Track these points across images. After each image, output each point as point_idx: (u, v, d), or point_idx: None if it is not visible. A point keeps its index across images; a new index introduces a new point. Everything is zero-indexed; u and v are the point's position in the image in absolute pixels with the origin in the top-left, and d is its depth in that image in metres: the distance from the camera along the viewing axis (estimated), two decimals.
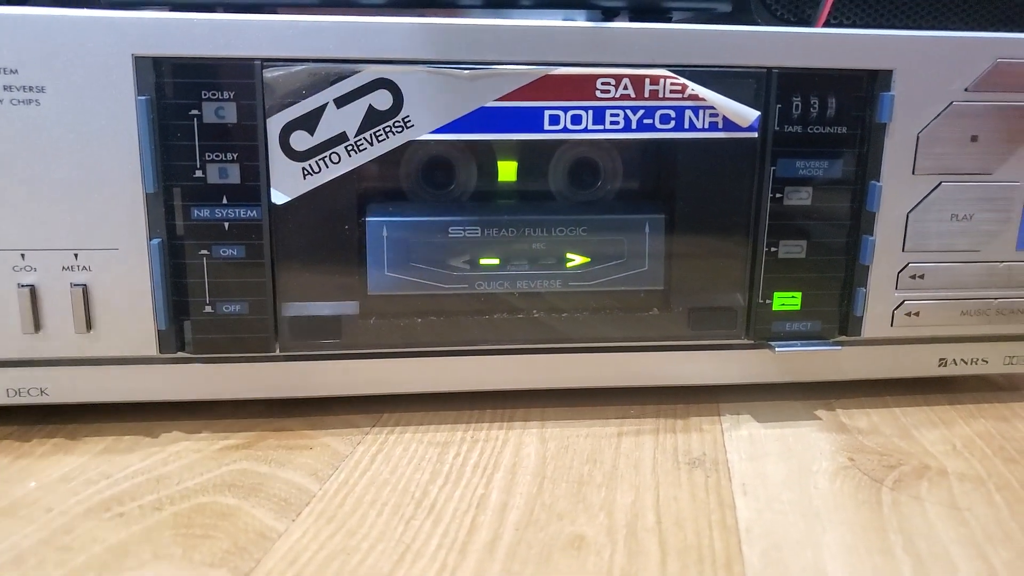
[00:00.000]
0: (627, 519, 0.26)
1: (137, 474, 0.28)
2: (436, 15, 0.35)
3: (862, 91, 0.31)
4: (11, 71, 0.28)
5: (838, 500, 0.27)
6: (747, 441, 0.31)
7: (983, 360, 0.35)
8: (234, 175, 0.29)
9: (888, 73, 0.31)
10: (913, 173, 0.32)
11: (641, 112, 0.30)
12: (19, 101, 0.28)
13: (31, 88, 0.28)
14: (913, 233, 0.32)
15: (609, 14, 0.37)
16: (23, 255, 0.29)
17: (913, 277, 0.33)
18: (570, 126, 0.30)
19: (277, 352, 0.31)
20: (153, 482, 0.28)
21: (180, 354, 0.31)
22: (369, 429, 0.32)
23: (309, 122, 0.29)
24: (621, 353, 0.33)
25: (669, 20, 0.37)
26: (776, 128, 0.31)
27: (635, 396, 0.35)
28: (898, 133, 0.32)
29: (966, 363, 0.35)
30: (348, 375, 0.32)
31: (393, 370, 0.32)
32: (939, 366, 0.35)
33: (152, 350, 0.30)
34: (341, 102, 0.29)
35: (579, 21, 0.36)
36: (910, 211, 0.32)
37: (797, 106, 0.31)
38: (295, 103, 0.29)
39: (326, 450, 0.30)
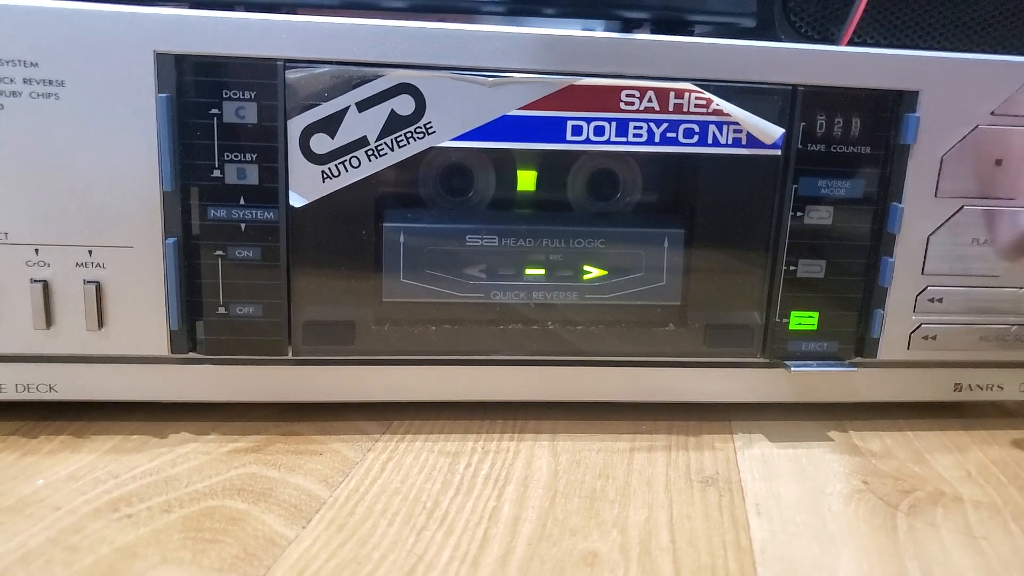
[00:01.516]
0: (640, 537, 0.25)
1: (145, 475, 0.28)
2: (456, 20, 0.35)
3: (887, 111, 0.31)
4: (31, 64, 0.28)
5: (853, 524, 0.27)
6: (760, 460, 0.31)
7: (999, 386, 0.35)
8: (252, 176, 0.29)
9: (914, 94, 0.31)
10: (935, 195, 0.32)
11: (665, 125, 0.30)
12: (39, 94, 0.28)
13: (51, 82, 0.28)
14: (933, 256, 0.32)
15: (630, 26, 0.37)
16: (37, 250, 0.29)
17: (932, 300, 0.33)
18: (593, 137, 0.30)
19: (289, 356, 0.31)
20: (162, 483, 0.27)
21: (191, 355, 0.31)
22: (379, 436, 0.32)
23: (330, 125, 0.29)
24: (635, 368, 0.33)
25: (691, 33, 0.37)
26: (799, 146, 0.31)
27: (647, 411, 0.34)
28: (922, 155, 0.31)
29: (981, 389, 0.35)
30: (360, 381, 0.32)
31: (405, 377, 0.32)
32: (954, 391, 0.35)
33: (163, 350, 0.30)
34: (363, 106, 0.29)
35: (599, 32, 0.36)
36: (931, 234, 0.32)
37: (821, 124, 0.31)
38: (317, 105, 0.29)
39: (336, 456, 0.30)
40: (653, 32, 0.36)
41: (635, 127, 0.30)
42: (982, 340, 0.33)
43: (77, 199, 0.29)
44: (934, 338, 0.33)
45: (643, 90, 0.30)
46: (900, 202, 0.32)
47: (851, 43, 0.37)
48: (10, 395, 0.30)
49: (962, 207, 0.32)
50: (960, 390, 0.35)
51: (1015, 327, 0.33)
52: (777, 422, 0.34)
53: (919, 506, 0.28)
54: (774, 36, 0.39)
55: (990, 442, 0.34)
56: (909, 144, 0.31)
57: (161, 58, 0.28)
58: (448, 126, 0.29)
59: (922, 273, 0.32)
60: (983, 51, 0.36)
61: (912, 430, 0.34)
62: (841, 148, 0.31)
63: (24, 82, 0.28)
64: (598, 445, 0.32)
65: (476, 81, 0.29)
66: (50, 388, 0.31)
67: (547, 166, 0.32)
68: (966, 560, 0.25)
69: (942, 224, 0.32)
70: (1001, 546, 0.26)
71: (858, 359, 0.33)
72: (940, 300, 0.33)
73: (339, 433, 0.32)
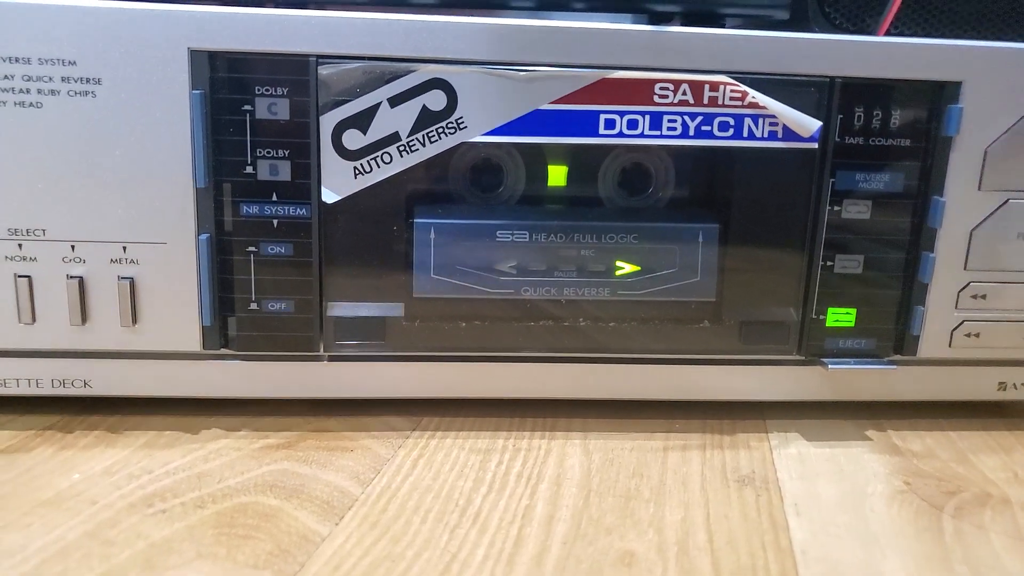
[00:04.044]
0: (677, 536, 0.25)
1: (179, 470, 0.28)
2: (486, 15, 0.34)
3: (928, 103, 0.30)
4: (70, 62, 0.28)
5: (897, 526, 0.26)
6: (797, 460, 0.30)
7: None
8: (285, 172, 0.29)
9: (957, 85, 0.30)
10: (979, 189, 0.31)
11: (700, 119, 0.30)
12: (76, 92, 0.28)
13: (88, 80, 0.28)
14: (976, 251, 0.31)
15: (661, 19, 0.37)
16: (73, 247, 0.29)
17: (975, 297, 0.32)
18: (626, 131, 0.30)
19: (320, 352, 0.31)
20: (195, 479, 0.27)
21: (223, 351, 0.31)
22: (409, 433, 0.32)
23: (362, 121, 0.29)
24: (668, 365, 0.33)
25: (722, 26, 0.36)
26: (837, 139, 0.30)
27: (679, 410, 0.34)
28: (965, 147, 0.30)
29: None
30: (391, 378, 0.32)
31: (436, 374, 0.32)
32: (998, 390, 0.34)
33: (196, 346, 0.30)
34: (395, 101, 0.29)
35: (627, 24, 0.36)
36: (974, 228, 0.31)
37: (859, 117, 0.30)
38: (349, 101, 0.29)
39: (367, 453, 0.30)
40: (684, 24, 0.35)
41: (669, 120, 0.30)
42: None
43: (112, 196, 0.29)
44: (977, 335, 0.32)
45: (677, 83, 0.29)
46: (942, 196, 0.31)
47: (888, 34, 0.36)
48: (46, 390, 0.31)
49: (1007, 201, 0.31)
50: (1004, 389, 0.34)
51: None
52: (813, 421, 0.34)
53: (965, 508, 0.27)
54: (808, 28, 0.38)
55: None
56: (952, 136, 0.30)
57: (195, 55, 0.28)
58: (480, 121, 0.29)
59: (965, 269, 0.32)
60: None
61: (954, 430, 0.33)
62: (880, 141, 0.31)
63: (62, 80, 0.28)
64: (631, 444, 0.31)
65: (508, 75, 0.29)
66: (85, 384, 0.31)
67: (578, 161, 0.32)
68: (1018, 564, 0.24)
69: (986, 218, 0.31)
70: None
71: (897, 357, 0.33)
72: (984, 296, 0.32)
73: (370, 430, 0.32)
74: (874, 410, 0.34)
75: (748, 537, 0.25)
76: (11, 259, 0.29)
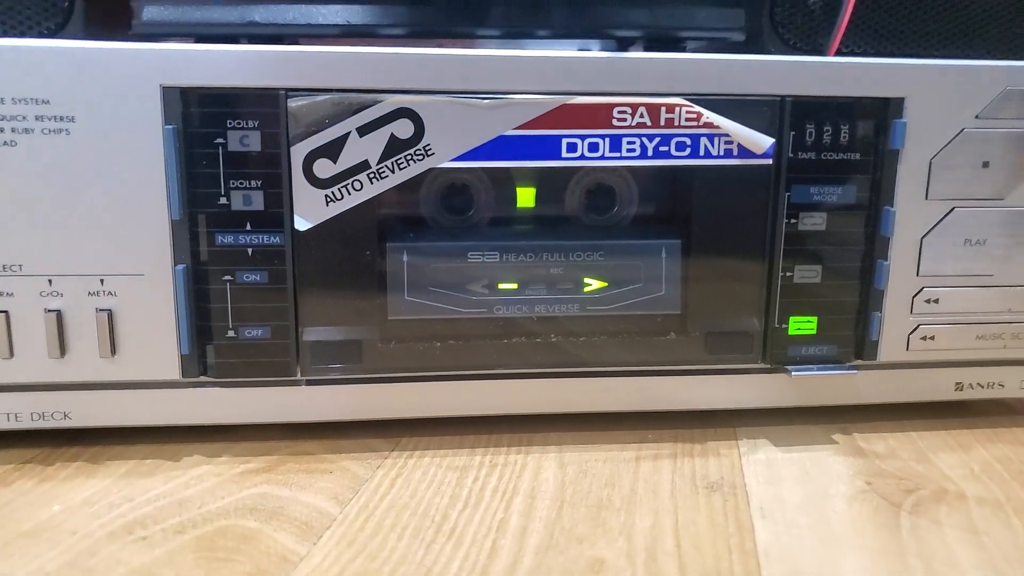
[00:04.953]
0: (646, 543, 0.26)
1: (159, 497, 0.28)
2: (452, 44, 0.36)
3: (875, 118, 0.32)
4: (43, 101, 0.29)
5: (856, 524, 0.27)
6: (764, 465, 0.31)
7: (999, 384, 0.35)
8: (258, 202, 0.30)
9: (900, 101, 0.32)
10: (926, 198, 0.32)
11: (657, 140, 0.31)
12: (50, 131, 0.29)
13: (62, 118, 0.29)
14: (927, 258, 0.33)
15: (624, 43, 0.38)
16: (50, 280, 0.30)
17: (928, 301, 0.33)
18: (587, 153, 0.31)
19: (298, 376, 0.32)
20: (175, 505, 0.28)
21: (202, 378, 0.31)
22: (388, 453, 0.32)
23: (332, 150, 0.30)
24: (638, 377, 0.34)
25: (683, 48, 0.38)
26: (790, 155, 0.32)
27: (652, 420, 0.35)
28: (911, 159, 0.32)
29: (983, 387, 0.35)
30: (368, 399, 0.33)
31: (412, 394, 0.33)
32: (956, 390, 0.35)
33: (175, 374, 0.31)
34: (364, 131, 0.30)
35: (594, 50, 0.37)
36: (924, 236, 0.33)
37: (811, 133, 0.32)
38: (319, 132, 0.30)
39: (346, 474, 0.30)
40: (646, 49, 0.37)
41: (628, 142, 0.31)
42: (980, 339, 0.34)
43: (88, 230, 0.29)
44: (932, 338, 0.34)
45: (634, 106, 0.31)
46: (892, 206, 0.32)
47: (839, 53, 0.38)
48: (26, 423, 0.31)
49: (953, 209, 0.32)
50: (961, 389, 0.35)
51: (1012, 324, 0.34)
52: (782, 427, 0.35)
53: (922, 504, 0.28)
54: (763, 48, 0.40)
55: (994, 439, 0.34)
56: (898, 149, 0.32)
57: (167, 91, 0.29)
58: (447, 147, 0.30)
59: (917, 275, 0.33)
60: (966, 57, 0.37)
61: (916, 430, 0.35)
62: (831, 155, 0.32)
63: (36, 119, 0.29)
64: (604, 455, 0.32)
65: (472, 104, 0.30)
66: (65, 415, 0.31)
67: (545, 183, 0.33)
68: (968, 555, 0.25)
69: (934, 226, 0.33)
70: (1003, 541, 0.26)
71: (858, 362, 0.34)
72: (936, 300, 0.33)
73: (348, 451, 0.32)
74: (840, 414, 0.36)
75: (714, 541, 0.26)
76: None
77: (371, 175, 0.30)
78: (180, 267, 0.30)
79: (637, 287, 0.33)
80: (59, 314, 0.30)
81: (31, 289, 0.30)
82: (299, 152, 0.30)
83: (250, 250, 0.30)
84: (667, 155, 0.31)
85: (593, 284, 0.33)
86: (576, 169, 0.32)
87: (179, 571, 0.24)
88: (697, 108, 0.31)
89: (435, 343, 0.32)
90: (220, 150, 0.29)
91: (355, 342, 0.32)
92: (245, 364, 0.31)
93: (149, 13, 0.33)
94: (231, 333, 0.31)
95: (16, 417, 0.31)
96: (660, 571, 0.24)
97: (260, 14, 0.34)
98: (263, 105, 0.29)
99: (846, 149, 0.32)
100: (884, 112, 0.32)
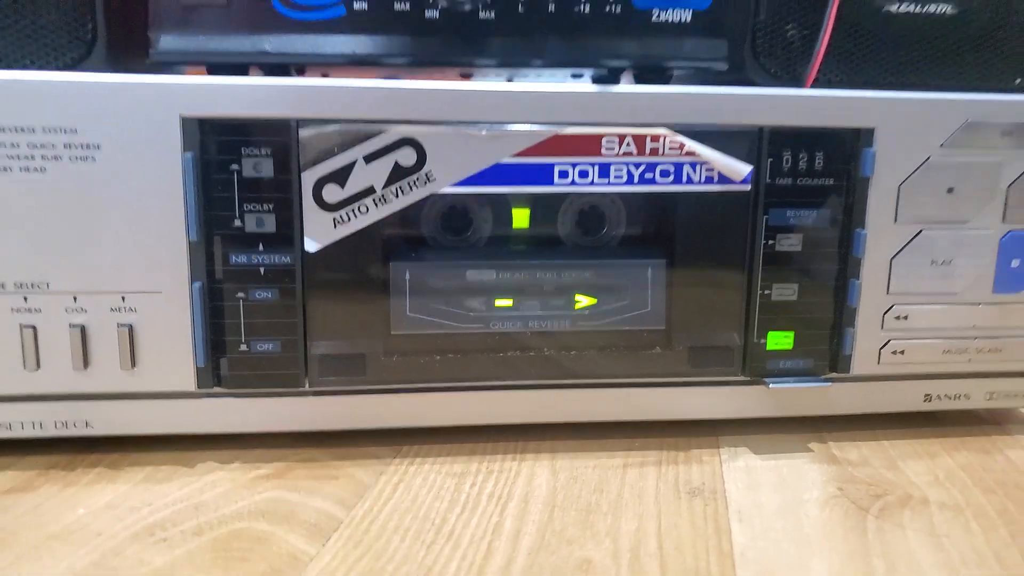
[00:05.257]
0: (631, 544, 0.28)
1: (177, 501, 0.30)
2: (454, 73, 0.38)
3: (847, 147, 0.34)
4: (71, 130, 0.31)
5: (827, 528, 0.29)
6: (744, 472, 0.34)
7: (965, 396, 0.37)
8: (270, 224, 0.32)
9: (870, 131, 0.34)
10: (895, 222, 0.35)
11: (643, 167, 0.33)
12: (77, 158, 0.31)
13: (88, 146, 0.31)
14: (896, 277, 0.35)
15: (614, 73, 0.40)
16: (75, 298, 0.32)
17: (898, 318, 0.35)
18: (578, 180, 0.33)
19: (306, 387, 0.34)
20: (192, 509, 0.30)
21: (216, 389, 0.33)
22: (391, 460, 0.34)
23: (340, 176, 0.32)
24: (626, 389, 0.36)
25: (670, 77, 0.40)
26: (768, 181, 0.34)
27: (640, 429, 0.37)
28: (881, 185, 0.34)
29: (950, 398, 0.37)
30: (372, 409, 0.35)
31: (414, 405, 0.35)
32: (924, 401, 0.37)
33: (191, 385, 0.33)
34: (370, 158, 0.32)
35: (586, 79, 0.39)
36: (893, 257, 0.35)
37: (787, 161, 0.34)
38: (327, 159, 0.32)
39: (351, 480, 0.32)
40: (636, 77, 0.39)
41: (616, 169, 0.33)
42: (947, 353, 0.36)
43: (111, 250, 0.31)
44: (902, 353, 0.36)
45: (622, 136, 0.33)
46: (863, 228, 0.34)
47: (817, 81, 0.40)
48: (49, 432, 0.33)
49: (920, 231, 0.35)
50: (930, 400, 0.37)
51: (976, 340, 0.36)
52: (762, 436, 0.37)
53: (888, 509, 0.30)
54: (745, 76, 0.42)
55: (959, 448, 0.36)
56: (868, 176, 0.34)
57: (186, 121, 0.31)
58: (447, 174, 0.32)
59: (887, 293, 0.35)
60: (938, 84, 0.39)
61: (887, 439, 0.37)
62: (806, 181, 0.34)
63: (64, 147, 0.31)
64: (594, 462, 0.34)
65: (471, 133, 0.32)
66: (86, 424, 0.33)
67: (539, 206, 0.35)
68: (928, 557, 0.27)
69: (903, 248, 0.35)
70: (961, 543, 0.28)
71: (833, 374, 0.36)
72: (906, 317, 0.35)
73: (354, 458, 0.34)
74: (816, 424, 0.38)
75: (694, 543, 0.28)
76: (17, 311, 0.32)
77: (376, 199, 0.32)
78: (196, 285, 0.32)
79: (625, 304, 0.35)
80: (83, 329, 0.32)
81: (57, 305, 0.32)
82: (309, 178, 0.32)
83: (262, 269, 0.32)
84: (652, 181, 0.33)
85: (583, 301, 0.35)
86: (567, 194, 0.35)
87: (199, 569, 0.26)
88: (680, 138, 0.33)
89: (435, 356, 0.34)
90: (235, 176, 0.32)
91: (360, 355, 0.34)
92: (256, 376, 0.33)
93: (165, 43, 0.35)
94: (243, 347, 0.33)
95: (40, 425, 0.33)
96: (643, 570, 0.26)
97: (270, 44, 0.36)
98: (276, 134, 0.31)
99: (820, 175, 0.34)
100: (856, 141, 0.34)
